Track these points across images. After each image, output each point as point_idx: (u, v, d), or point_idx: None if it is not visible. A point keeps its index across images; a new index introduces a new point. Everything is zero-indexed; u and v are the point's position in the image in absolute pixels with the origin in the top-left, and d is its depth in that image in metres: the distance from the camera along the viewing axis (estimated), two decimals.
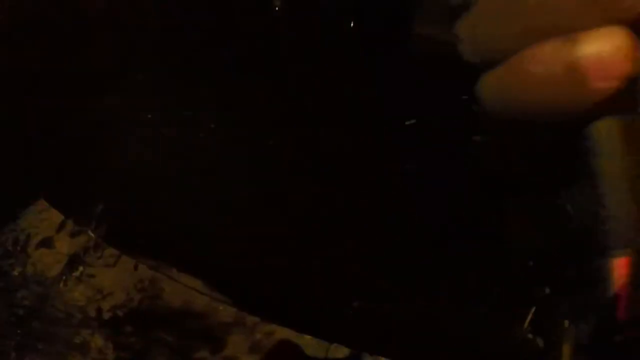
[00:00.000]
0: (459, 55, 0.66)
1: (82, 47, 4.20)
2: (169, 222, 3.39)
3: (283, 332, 3.03)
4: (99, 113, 3.91)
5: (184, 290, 3.07)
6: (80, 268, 3.04)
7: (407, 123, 3.81)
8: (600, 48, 0.36)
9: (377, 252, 3.09)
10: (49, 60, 4.00)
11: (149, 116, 3.91)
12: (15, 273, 2.95)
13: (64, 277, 2.99)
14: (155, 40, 4.34)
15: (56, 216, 3.27)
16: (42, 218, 3.10)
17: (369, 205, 3.26)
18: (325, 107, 4.15)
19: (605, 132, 0.40)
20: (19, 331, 2.86)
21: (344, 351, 3.12)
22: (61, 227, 3.21)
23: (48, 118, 3.73)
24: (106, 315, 2.97)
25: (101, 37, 4.25)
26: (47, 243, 3.11)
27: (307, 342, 3.07)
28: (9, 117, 3.68)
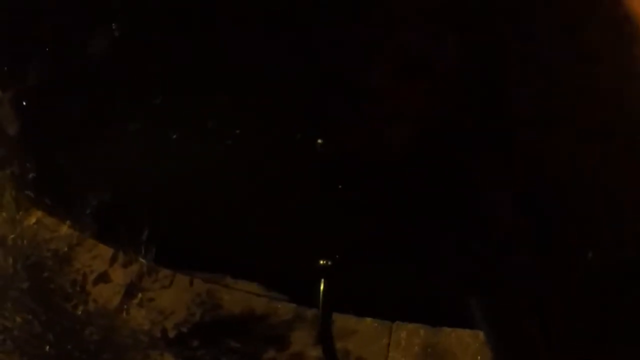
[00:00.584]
0: None
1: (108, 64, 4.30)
2: (215, 234, 3.49)
3: (343, 320, 3.09)
4: (126, 143, 4.03)
5: (241, 295, 3.17)
6: (139, 295, 3.15)
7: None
8: None
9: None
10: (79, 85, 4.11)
11: (172, 134, 4.03)
12: (79, 312, 3.08)
13: (125, 307, 3.11)
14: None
15: (106, 251, 3.40)
16: (94, 255, 3.23)
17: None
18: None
19: None
20: None
21: (407, 327, 3.17)
22: (113, 260, 3.34)
23: (79, 158, 3.86)
24: (172, 334, 3.08)
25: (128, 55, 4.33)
26: (103, 278, 3.24)
27: (368, 325, 3.12)
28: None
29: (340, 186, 3.66)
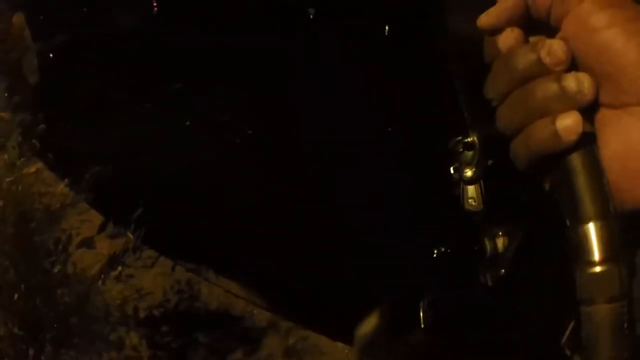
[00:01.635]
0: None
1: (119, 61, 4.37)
2: (206, 227, 3.52)
3: (316, 338, 3.12)
4: (137, 121, 4.08)
5: (220, 292, 3.18)
6: (119, 268, 3.16)
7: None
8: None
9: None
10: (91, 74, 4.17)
11: (187, 123, 4.08)
12: (56, 271, 3.08)
13: (103, 277, 3.11)
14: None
15: (97, 218, 3.41)
16: (83, 219, 3.24)
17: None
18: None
19: None
20: (56, 326, 2.98)
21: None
22: (102, 228, 3.34)
23: (88, 126, 3.90)
24: (143, 314, 3.08)
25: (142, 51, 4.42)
26: (87, 243, 3.25)
27: (339, 350, 3.15)
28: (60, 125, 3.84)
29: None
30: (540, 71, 0.62)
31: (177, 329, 3.06)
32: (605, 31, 0.60)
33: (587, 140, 0.62)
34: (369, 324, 2.80)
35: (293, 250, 3.47)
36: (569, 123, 0.60)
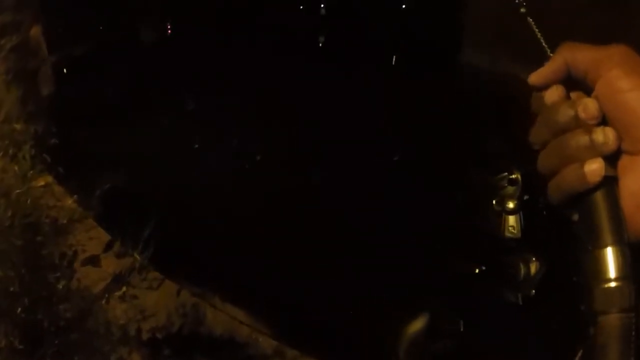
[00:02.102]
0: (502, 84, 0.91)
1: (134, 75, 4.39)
2: (214, 251, 3.51)
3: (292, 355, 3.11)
4: (148, 140, 4.08)
5: (225, 318, 3.17)
6: (124, 288, 3.15)
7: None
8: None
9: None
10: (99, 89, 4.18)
11: (197, 145, 4.10)
12: (60, 286, 3.06)
13: (107, 295, 3.09)
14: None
15: (104, 236, 3.40)
16: (90, 236, 3.23)
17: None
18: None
19: None
20: (56, 342, 2.96)
21: None
22: (108, 247, 3.33)
23: (98, 142, 3.90)
24: (145, 336, 3.06)
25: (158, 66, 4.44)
26: (93, 261, 3.24)
27: None
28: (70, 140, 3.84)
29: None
30: (576, 124, 0.76)
31: (180, 352, 3.04)
32: (629, 93, 0.74)
33: (609, 181, 0.77)
34: (415, 326, 2.91)
35: (302, 277, 3.47)
36: (594, 168, 0.74)
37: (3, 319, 2.91)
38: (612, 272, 0.75)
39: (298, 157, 4.30)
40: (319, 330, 3.27)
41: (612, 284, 0.74)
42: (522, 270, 1.08)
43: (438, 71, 5.55)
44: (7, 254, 3.02)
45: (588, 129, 0.77)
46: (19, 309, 2.94)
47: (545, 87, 0.83)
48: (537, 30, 0.90)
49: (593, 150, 0.76)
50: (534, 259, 1.07)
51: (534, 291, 1.07)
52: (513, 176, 1.03)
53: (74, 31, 4.29)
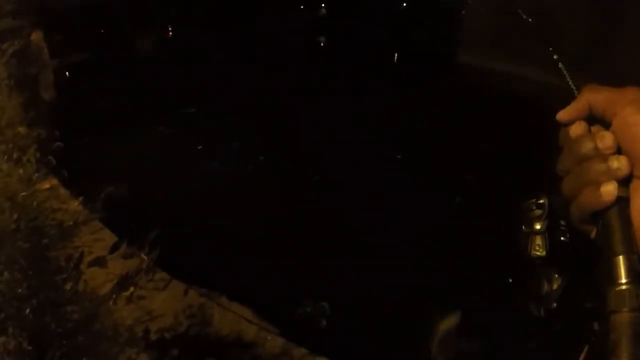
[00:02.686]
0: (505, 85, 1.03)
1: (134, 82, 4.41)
2: (220, 251, 3.53)
3: None
4: (152, 144, 4.11)
5: (233, 318, 3.19)
6: (131, 289, 3.16)
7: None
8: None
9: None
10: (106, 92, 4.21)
11: (201, 147, 4.11)
12: (67, 288, 3.07)
13: (114, 296, 3.11)
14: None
15: (110, 237, 3.42)
16: (97, 238, 3.25)
17: None
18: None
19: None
20: (64, 342, 2.96)
21: None
22: (115, 248, 3.35)
23: (103, 146, 3.93)
24: (153, 337, 3.07)
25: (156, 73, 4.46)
26: (100, 262, 3.25)
27: None
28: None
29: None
30: (595, 153, 0.92)
31: (188, 353, 3.05)
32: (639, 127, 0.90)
33: (622, 201, 0.90)
34: (447, 323, 3.01)
35: (307, 277, 3.50)
36: (609, 189, 0.89)
37: (11, 321, 2.91)
38: (623, 276, 0.87)
39: (300, 160, 4.35)
40: (327, 329, 3.30)
41: (623, 287, 0.86)
42: (545, 286, 1.24)
43: (437, 73, 5.63)
44: (14, 257, 3.03)
45: (605, 157, 0.94)
46: (27, 311, 2.95)
47: (571, 123, 1.00)
48: (566, 73, 1.09)
49: (608, 175, 0.92)
50: (556, 275, 1.23)
51: (555, 304, 1.24)
52: (540, 201, 1.19)
53: (75, 38, 4.34)
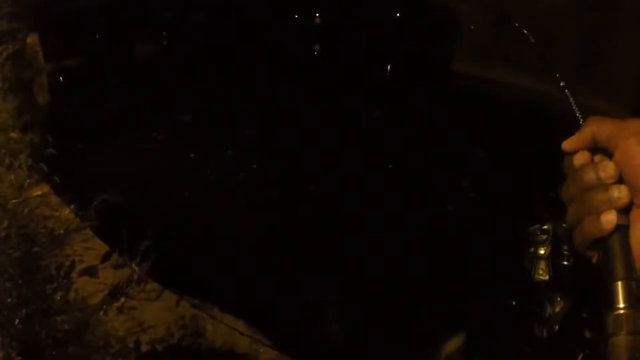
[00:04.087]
0: (497, 93, 1.06)
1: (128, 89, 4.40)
2: (212, 261, 3.53)
3: None
4: (145, 152, 4.10)
5: (226, 330, 3.19)
6: (122, 299, 3.17)
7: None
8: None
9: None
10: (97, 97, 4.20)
11: (193, 155, 4.11)
12: (57, 297, 3.07)
13: (105, 307, 3.11)
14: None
15: (101, 247, 3.41)
16: (87, 247, 3.25)
17: None
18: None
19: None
20: (55, 353, 2.95)
21: None
22: (106, 257, 3.35)
23: (95, 153, 3.93)
24: (145, 348, 3.07)
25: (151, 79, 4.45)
26: (91, 271, 3.25)
27: None
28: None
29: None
30: (598, 182, 0.95)
31: None
32: None
33: (622, 229, 0.93)
34: (452, 344, 3.02)
35: (301, 288, 3.50)
36: (609, 218, 0.93)
37: (1, 331, 2.91)
38: (621, 301, 0.90)
39: (294, 168, 4.36)
40: (319, 341, 3.30)
41: (621, 311, 0.89)
42: (548, 309, 1.30)
43: (431, 80, 5.66)
44: (3, 266, 3.04)
45: (606, 187, 0.97)
46: (17, 321, 2.95)
47: (575, 152, 1.02)
48: (573, 102, 1.13)
49: (609, 204, 0.96)
50: (558, 299, 1.29)
51: (557, 327, 1.30)
52: (545, 227, 1.25)
53: (70, 43, 4.34)
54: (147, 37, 4.99)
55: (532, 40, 1.20)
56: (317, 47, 6.39)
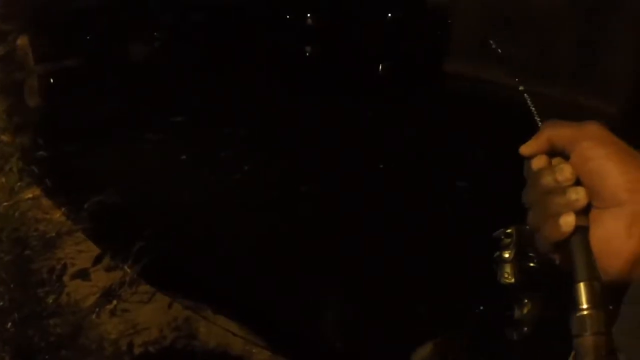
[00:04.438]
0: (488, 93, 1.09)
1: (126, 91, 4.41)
2: (205, 263, 3.53)
3: None
4: (138, 153, 4.10)
5: (219, 331, 3.20)
6: (115, 302, 3.18)
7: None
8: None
9: None
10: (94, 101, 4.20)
11: (185, 157, 4.11)
12: (50, 300, 3.08)
13: (97, 309, 3.12)
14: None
15: (93, 249, 3.42)
16: (79, 250, 3.25)
17: None
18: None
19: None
20: (47, 357, 2.96)
21: None
22: (98, 260, 3.35)
23: (88, 155, 3.93)
24: (138, 351, 3.08)
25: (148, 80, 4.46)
26: (83, 274, 3.26)
27: None
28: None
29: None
30: (556, 185, 0.99)
31: None
32: (596, 160, 0.97)
33: (582, 230, 0.96)
34: (424, 350, 3.01)
35: (294, 289, 3.51)
36: (568, 220, 0.96)
37: None
38: (584, 302, 0.93)
39: (289, 169, 4.37)
40: (313, 342, 3.31)
41: (585, 312, 0.92)
42: (517, 311, 1.34)
43: (426, 81, 5.67)
44: None
45: (564, 190, 1.00)
46: (9, 324, 2.96)
47: (533, 156, 1.06)
48: (532, 105, 1.16)
49: (568, 207, 0.99)
50: (526, 301, 1.32)
51: (526, 329, 1.33)
52: (508, 230, 1.28)
53: (62, 44, 4.33)
54: (145, 37, 5.00)
55: (507, 58, 1.23)
56: (311, 49, 6.40)
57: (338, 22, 6.37)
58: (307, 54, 6.18)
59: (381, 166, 4.56)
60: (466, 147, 4.52)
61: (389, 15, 6.68)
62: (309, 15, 6.38)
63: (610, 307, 0.91)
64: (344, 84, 5.38)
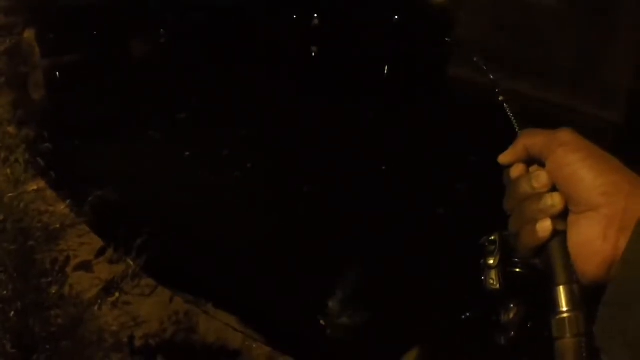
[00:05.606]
0: (495, 101, 1.15)
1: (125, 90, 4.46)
2: (207, 258, 3.59)
3: None
4: (142, 149, 4.15)
5: (219, 326, 3.26)
6: (117, 294, 3.23)
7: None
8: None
9: None
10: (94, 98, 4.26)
11: (189, 153, 4.16)
12: (52, 291, 3.13)
13: (99, 302, 3.18)
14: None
15: (96, 241, 3.47)
16: (83, 242, 3.30)
17: None
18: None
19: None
20: (48, 347, 3.02)
21: None
22: (101, 252, 3.41)
23: (92, 149, 3.98)
24: (138, 343, 3.14)
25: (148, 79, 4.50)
26: (85, 266, 3.31)
27: None
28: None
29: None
30: (532, 193, 1.03)
31: None
32: (571, 166, 1.00)
33: (559, 235, 0.99)
34: (410, 356, 3.06)
35: (294, 285, 3.55)
36: (545, 226, 1.00)
37: None
38: (564, 305, 0.96)
39: (290, 168, 4.41)
40: (312, 337, 3.36)
41: (564, 315, 0.95)
42: (503, 316, 1.38)
43: (425, 80, 5.72)
44: (0, 258, 3.09)
45: (540, 196, 1.03)
46: (11, 314, 3.01)
47: (510, 165, 1.09)
48: (510, 112, 1.20)
49: (545, 212, 1.02)
50: (512, 305, 1.36)
51: (513, 333, 1.38)
52: (492, 237, 1.32)
53: (68, 39, 4.38)
54: (145, 35, 5.05)
55: (485, 69, 1.26)
56: (314, 49, 6.45)
57: (339, 23, 6.42)
58: (308, 54, 6.23)
59: (381, 166, 4.60)
60: (466, 148, 4.55)
61: (390, 15, 6.73)
62: (309, 15, 6.43)
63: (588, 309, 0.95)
64: (344, 84, 5.42)
